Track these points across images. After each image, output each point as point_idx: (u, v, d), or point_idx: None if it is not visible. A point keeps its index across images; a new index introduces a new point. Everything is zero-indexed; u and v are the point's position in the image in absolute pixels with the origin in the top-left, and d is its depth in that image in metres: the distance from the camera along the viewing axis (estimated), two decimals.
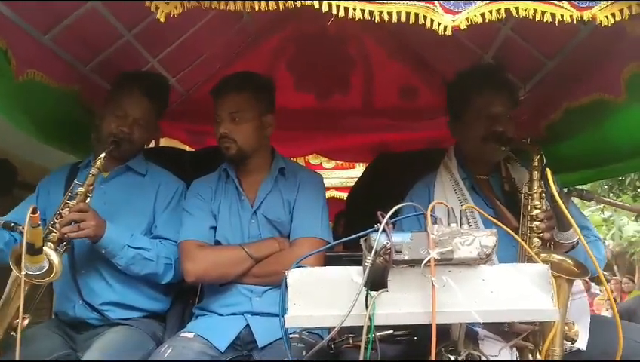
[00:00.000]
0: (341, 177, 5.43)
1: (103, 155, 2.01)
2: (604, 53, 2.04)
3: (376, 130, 3.30)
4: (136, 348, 1.94)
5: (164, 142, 3.26)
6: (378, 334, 1.35)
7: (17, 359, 1.53)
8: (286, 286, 1.29)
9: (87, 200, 1.97)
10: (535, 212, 1.77)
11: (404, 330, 1.67)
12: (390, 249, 1.22)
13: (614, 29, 1.53)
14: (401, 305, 1.26)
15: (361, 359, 1.24)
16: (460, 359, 1.37)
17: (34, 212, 1.60)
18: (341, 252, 2.65)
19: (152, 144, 2.89)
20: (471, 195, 2.01)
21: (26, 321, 1.80)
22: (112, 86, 2.31)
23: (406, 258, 1.24)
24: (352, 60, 3.13)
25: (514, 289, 1.26)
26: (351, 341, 1.68)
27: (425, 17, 1.44)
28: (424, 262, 1.22)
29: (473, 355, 1.39)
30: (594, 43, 2.05)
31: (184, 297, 2.28)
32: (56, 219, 1.93)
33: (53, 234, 1.89)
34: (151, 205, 2.19)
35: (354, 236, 1.32)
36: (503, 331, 1.62)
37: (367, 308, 1.23)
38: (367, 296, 1.24)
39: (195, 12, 1.52)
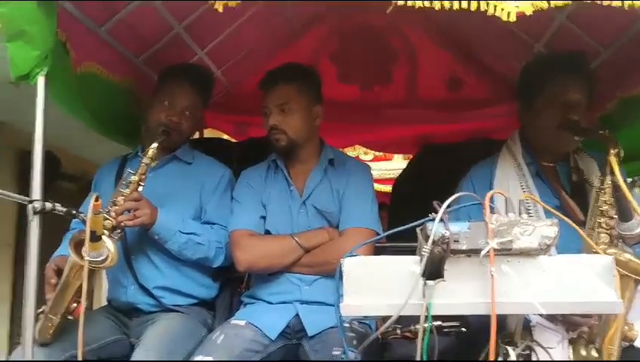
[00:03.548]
0: (379, 169, 5.37)
1: (155, 145, 2.03)
2: None
3: (419, 121, 3.26)
4: (189, 335, 1.98)
5: (207, 133, 3.30)
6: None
7: (80, 342, 1.57)
8: (341, 275, 1.29)
9: (140, 188, 2.01)
10: (605, 207, 1.65)
11: (452, 321, 1.65)
12: (448, 238, 1.21)
13: None
14: (458, 294, 1.24)
15: (418, 348, 1.23)
16: (517, 350, 1.35)
17: (96, 200, 1.64)
18: (386, 243, 2.63)
19: (197, 135, 2.93)
20: (535, 182, 1.90)
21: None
22: (160, 77, 2.35)
23: (464, 248, 1.22)
24: (395, 53, 3.10)
25: (576, 281, 1.22)
26: (399, 331, 1.68)
27: (488, 4, 1.41)
28: (484, 251, 1.21)
29: (530, 346, 1.37)
30: None
31: (232, 285, 2.32)
32: (110, 206, 1.97)
33: (108, 221, 1.93)
34: (197, 192, 2.22)
35: (409, 225, 1.31)
36: (557, 321, 1.58)
37: (424, 297, 1.22)
38: (424, 286, 1.23)
39: (243, 4, 1.53)
